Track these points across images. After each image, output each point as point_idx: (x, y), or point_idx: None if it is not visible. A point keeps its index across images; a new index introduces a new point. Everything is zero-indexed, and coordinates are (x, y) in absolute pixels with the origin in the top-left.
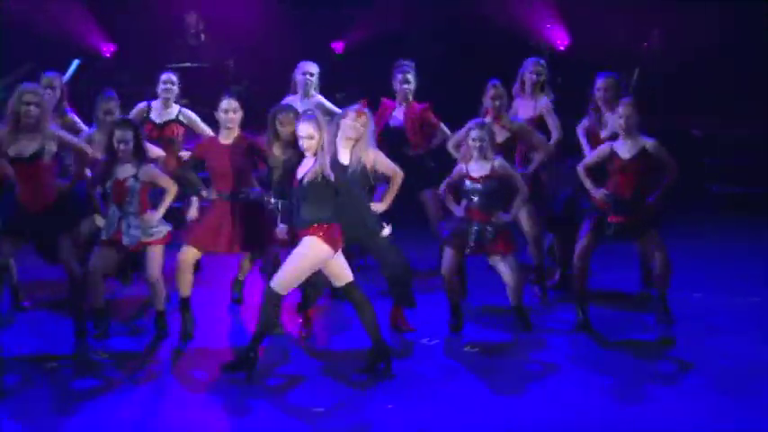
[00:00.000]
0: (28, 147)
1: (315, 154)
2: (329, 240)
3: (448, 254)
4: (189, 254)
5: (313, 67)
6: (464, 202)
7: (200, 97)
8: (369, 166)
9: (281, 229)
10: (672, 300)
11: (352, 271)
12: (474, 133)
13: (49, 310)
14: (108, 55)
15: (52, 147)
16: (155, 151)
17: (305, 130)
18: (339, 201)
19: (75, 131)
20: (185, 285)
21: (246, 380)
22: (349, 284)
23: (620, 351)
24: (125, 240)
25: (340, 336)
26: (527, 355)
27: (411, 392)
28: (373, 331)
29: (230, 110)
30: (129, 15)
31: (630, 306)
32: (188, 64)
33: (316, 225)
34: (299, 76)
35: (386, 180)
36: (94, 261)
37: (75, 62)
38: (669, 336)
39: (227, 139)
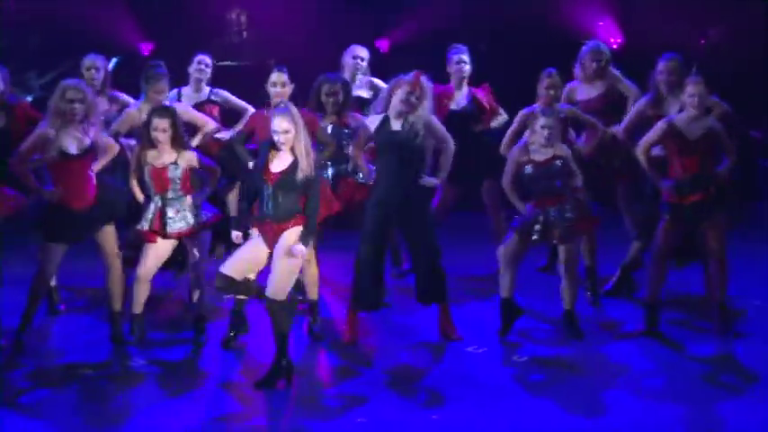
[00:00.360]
0: (76, 144)
1: (291, 149)
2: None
3: (513, 239)
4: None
5: (364, 52)
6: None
7: (240, 97)
8: (421, 128)
9: (237, 236)
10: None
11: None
12: (542, 120)
13: (85, 315)
14: (146, 53)
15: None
16: (201, 120)
17: (280, 124)
18: (388, 169)
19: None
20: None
21: (288, 384)
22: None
23: (677, 359)
24: (171, 228)
25: (385, 341)
26: (578, 365)
27: (456, 403)
28: (283, 348)
29: (278, 83)
30: (168, 12)
31: (689, 309)
32: (228, 62)
33: (297, 217)
34: (348, 60)
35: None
36: (145, 263)
37: (114, 60)
38: (729, 344)
39: None
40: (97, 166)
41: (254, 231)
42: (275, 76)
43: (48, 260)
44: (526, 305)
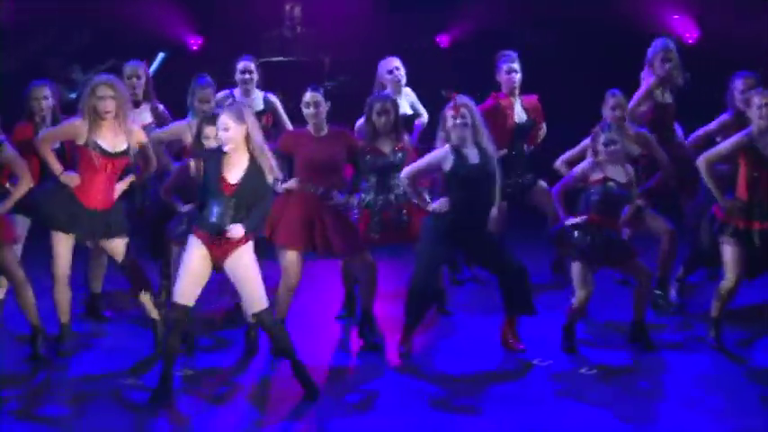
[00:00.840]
0: (112, 143)
1: (235, 149)
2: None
3: (578, 268)
4: (293, 255)
5: (397, 62)
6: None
7: (292, 94)
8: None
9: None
10: None
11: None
12: (603, 137)
13: (131, 322)
14: (195, 48)
15: (134, 145)
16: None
17: (222, 120)
18: (464, 197)
19: (165, 125)
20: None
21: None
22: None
23: (740, 375)
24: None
25: (441, 355)
26: (650, 378)
27: (519, 418)
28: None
29: (311, 103)
30: (218, 5)
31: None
32: (281, 58)
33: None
34: (385, 75)
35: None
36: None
37: (161, 55)
38: None
39: (318, 131)
40: (125, 183)
41: (195, 242)
42: (308, 96)
43: (58, 255)
44: (593, 314)
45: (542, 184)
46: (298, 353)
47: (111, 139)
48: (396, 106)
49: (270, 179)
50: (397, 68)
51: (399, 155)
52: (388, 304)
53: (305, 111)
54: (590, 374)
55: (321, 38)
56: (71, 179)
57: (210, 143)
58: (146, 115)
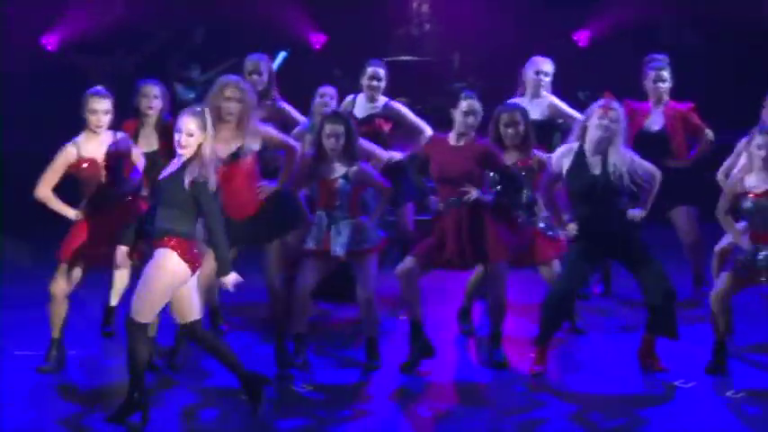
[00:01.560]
0: (225, 147)
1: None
2: (186, 258)
3: (725, 279)
4: (411, 266)
5: (548, 65)
6: (742, 223)
7: (419, 94)
8: (625, 170)
9: (121, 251)
10: None
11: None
12: (760, 139)
13: (248, 334)
14: (318, 46)
15: (253, 145)
16: (368, 148)
17: (186, 124)
18: (587, 213)
19: (288, 123)
20: (415, 305)
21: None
22: (195, 322)
23: None
24: (334, 250)
25: (576, 376)
26: None
27: None
28: (239, 369)
29: (470, 113)
30: (342, 2)
31: None
32: (407, 57)
33: (168, 237)
34: (530, 75)
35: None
36: (303, 280)
37: (282, 54)
38: None
39: (458, 141)
40: (283, 177)
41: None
42: (466, 105)
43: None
44: (742, 334)
45: (684, 208)
46: (243, 365)
47: (224, 145)
48: (526, 117)
49: (186, 178)
50: (546, 74)
51: (523, 173)
52: (518, 320)
53: (460, 119)
54: (736, 398)
55: (450, 36)
56: None
57: (331, 141)
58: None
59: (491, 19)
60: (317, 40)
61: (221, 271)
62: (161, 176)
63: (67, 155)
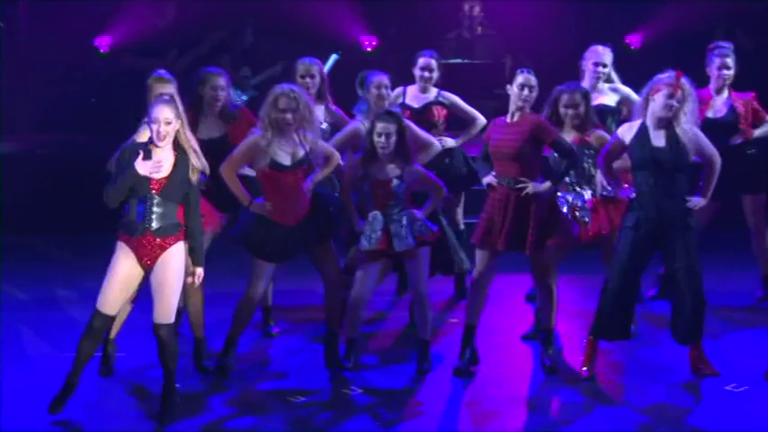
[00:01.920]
0: (289, 154)
1: (176, 148)
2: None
3: None
4: (484, 269)
5: (608, 56)
6: None
7: (469, 97)
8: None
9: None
10: None
11: None
12: None
13: (299, 337)
14: (369, 49)
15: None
16: (423, 137)
17: (163, 112)
18: (647, 187)
19: (339, 126)
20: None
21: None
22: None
23: None
24: (398, 246)
25: (629, 376)
26: None
27: None
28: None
29: (526, 85)
30: (393, 4)
31: None
32: (458, 60)
33: (180, 231)
34: (589, 65)
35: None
36: (360, 285)
37: (333, 56)
38: None
39: (513, 117)
40: (318, 177)
41: (121, 247)
42: (523, 78)
43: (256, 276)
44: None
45: (751, 197)
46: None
47: (290, 151)
48: (587, 98)
49: (194, 176)
50: (604, 65)
51: (583, 149)
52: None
53: (517, 91)
54: None
55: (502, 39)
56: (262, 207)
57: (382, 140)
58: (318, 115)
59: (543, 23)
60: (369, 42)
61: (198, 260)
62: (159, 175)
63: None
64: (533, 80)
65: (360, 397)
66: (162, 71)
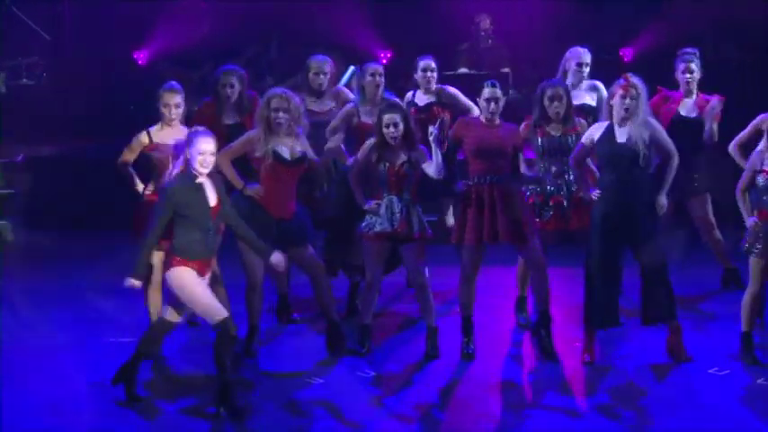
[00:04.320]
0: (288, 150)
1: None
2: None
3: (754, 269)
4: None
5: (587, 57)
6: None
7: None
8: (646, 138)
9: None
10: None
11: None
12: None
13: (319, 323)
14: (384, 62)
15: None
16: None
17: (210, 145)
18: (612, 182)
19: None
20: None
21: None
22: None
23: None
24: (414, 230)
25: (624, 360)
26: None
27: (690, 426)
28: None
29: (492, 99)
30: (407, 19)
31: None
32: (465, 71)
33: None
34: (572, 65)
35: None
36: (371, 270)
37: (351, 69)
38: None
39: (488, 123)
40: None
41: (190, 273)
42: (488, 92)
43: (246, 264)
44: None
45: (705, 197)
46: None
47: (288, 148)
48: (568, 93)
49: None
50: (587, 64)
51: (570, 137)
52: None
53: (484, 105)
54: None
55: (505, 50)
56: (255, 191)
57: (390, 130)
58: (327, 102)
59: (542, 34)
60: (384, 55)
61: (261, 251)
62: (212, 203)
63: (141, 138)
64: (499, 92)
65: (370, 380)
66: (173, 83)
